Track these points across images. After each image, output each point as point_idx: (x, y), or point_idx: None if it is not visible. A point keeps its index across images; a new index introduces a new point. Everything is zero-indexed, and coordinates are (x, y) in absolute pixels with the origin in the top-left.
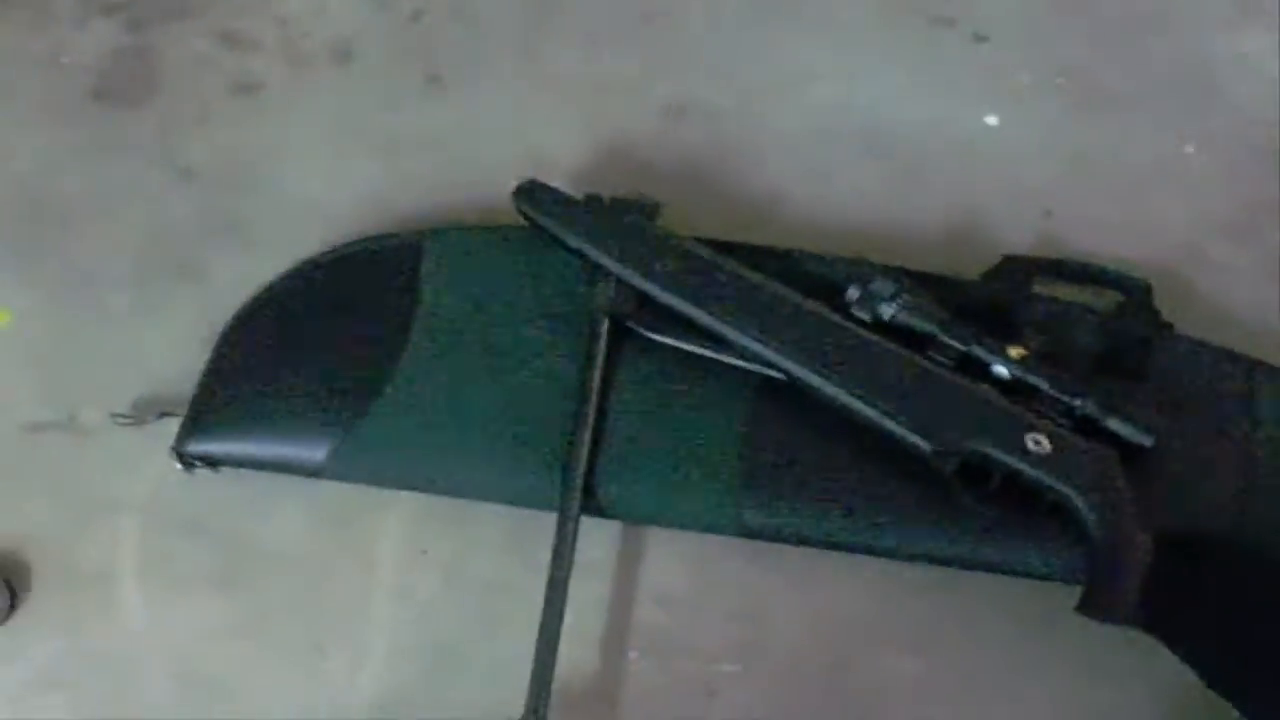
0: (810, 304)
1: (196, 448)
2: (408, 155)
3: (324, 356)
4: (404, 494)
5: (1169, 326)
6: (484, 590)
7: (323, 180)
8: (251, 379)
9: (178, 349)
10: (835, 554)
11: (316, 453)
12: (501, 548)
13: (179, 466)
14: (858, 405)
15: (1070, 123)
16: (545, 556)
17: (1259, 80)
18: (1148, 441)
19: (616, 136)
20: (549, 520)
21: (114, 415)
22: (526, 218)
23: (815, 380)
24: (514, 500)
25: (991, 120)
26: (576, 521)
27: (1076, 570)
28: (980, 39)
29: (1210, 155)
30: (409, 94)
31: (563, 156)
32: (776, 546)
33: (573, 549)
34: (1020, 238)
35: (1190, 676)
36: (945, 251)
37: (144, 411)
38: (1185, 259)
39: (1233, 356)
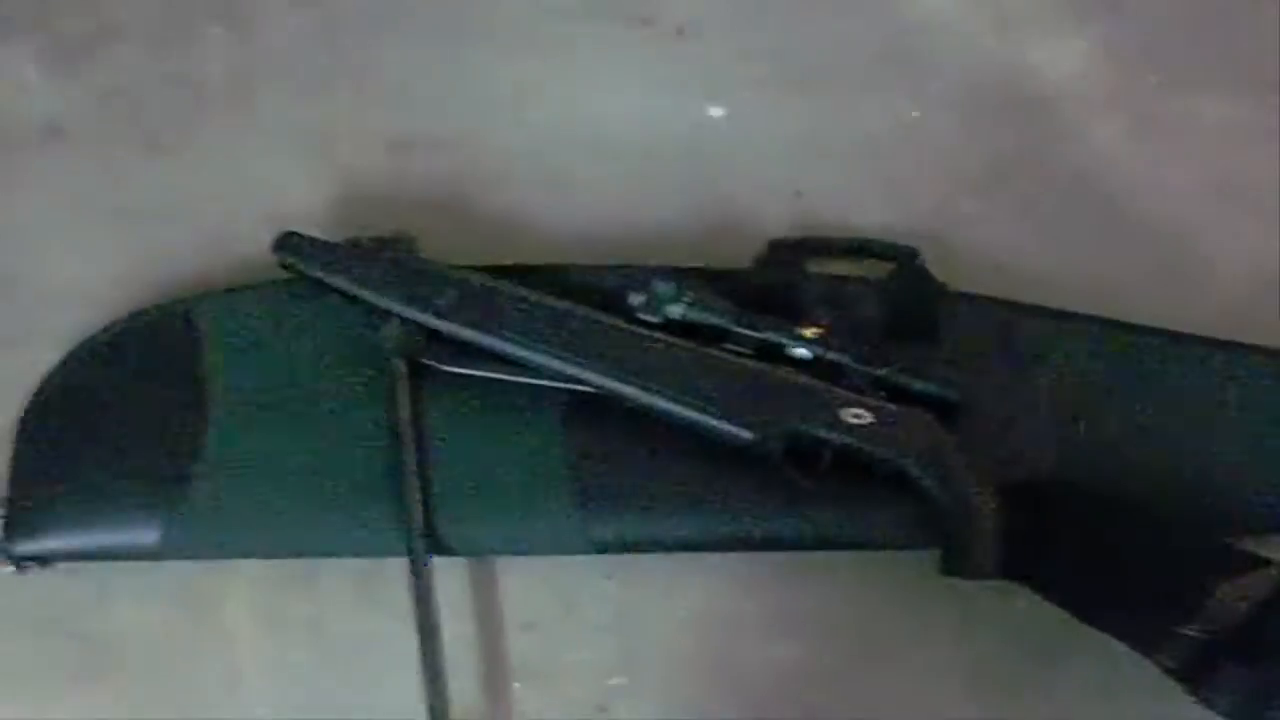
0: (597, 314)
1: (25, 548)
2: (146, 226)
3: (127, 437)
4: (249, 561)
5: (943, 285)
6: (352, 644)
7: (66, 263)
8: (61, 472)
9: None
10: (691, 553)
11: (148, 536)
12: (356, 599)
13: (10, 569)
14: (669, 406)
15: (791, 103)
16: (402, 601)
17: (957, 38)
18: (955, 398)
19: (349, 178)
20: (396, 564)
21: None
22: (293, 270)
23: (621, 388)
24: (355, 552)
25: (716, 111)
26: (428, 567)
27: (927, 535)
28: (680, 34)
29: (935, 116)
30: (132, 164)
31: (299, 205)
32: (630, 555)
33: (432, 593)
34: (777, 221)
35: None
36: (706, 245)
37: None
38: (938, 218)
39: (1011, 305)
